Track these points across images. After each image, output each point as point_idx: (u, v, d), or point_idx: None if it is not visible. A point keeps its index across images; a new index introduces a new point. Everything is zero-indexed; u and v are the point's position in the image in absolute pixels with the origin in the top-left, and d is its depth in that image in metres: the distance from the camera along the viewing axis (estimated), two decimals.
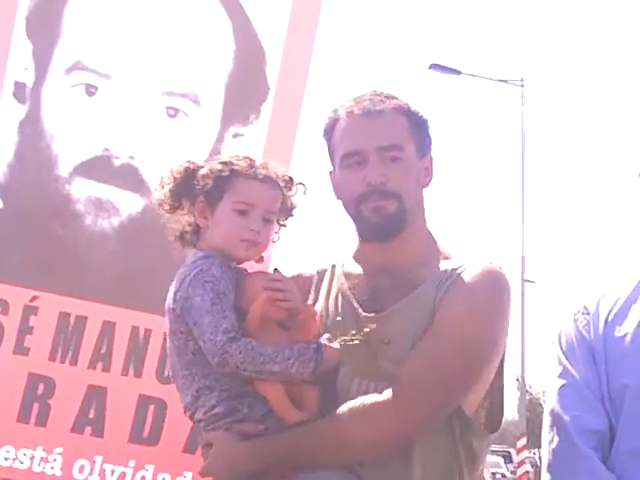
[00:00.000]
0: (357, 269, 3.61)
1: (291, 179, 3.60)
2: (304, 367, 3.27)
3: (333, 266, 3.67)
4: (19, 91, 4.94)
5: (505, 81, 30.97)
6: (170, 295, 3.46)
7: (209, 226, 3.51)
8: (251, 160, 3.54)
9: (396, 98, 3.61)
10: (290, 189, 3.59)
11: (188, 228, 3.57)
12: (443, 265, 3.52)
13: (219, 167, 3.51)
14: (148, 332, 4.80)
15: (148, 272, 4.76)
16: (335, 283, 3.62)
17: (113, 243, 4.92)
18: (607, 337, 3.52)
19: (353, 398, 3.38)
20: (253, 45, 4.99)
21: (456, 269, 3.48)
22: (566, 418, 3.48)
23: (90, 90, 4.95)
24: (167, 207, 3.58)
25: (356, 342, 3.34)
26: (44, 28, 4.96)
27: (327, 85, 4.95)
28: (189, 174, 3.54)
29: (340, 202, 3.66)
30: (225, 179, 3.47)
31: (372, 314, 3.45)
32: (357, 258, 3.65)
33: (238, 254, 3.50)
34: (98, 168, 4.92)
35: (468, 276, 3.46)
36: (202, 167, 3.56)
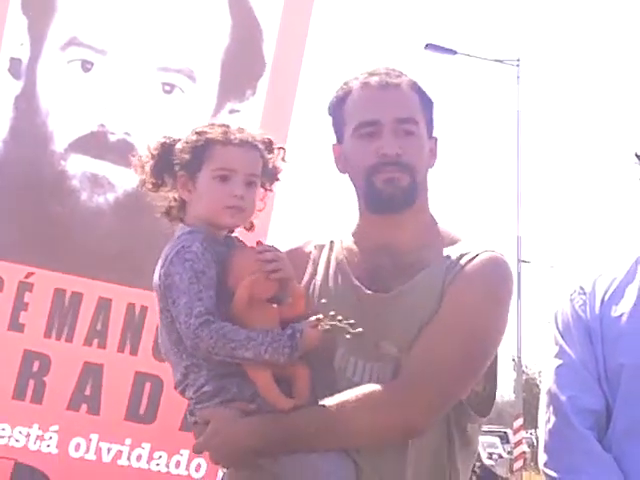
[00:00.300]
0: (356, 247, 3.52)
1: (270, 141, 3.47)
2: (278, 353, 3.16)
3: (332, 242, 3.57)
4: (14, 67, 4.88)
5: (501, 61, 31.37)
6: (156, 272, 3.36)
7: (193, 199, 3.40)
8: (225, 127, 3.43)
9: (406, 76, 3.54)
10: (271, 151, 3.48)
11: (174, 204, 3.46)
12: (449, 250, 3.43)
13: (194, 138, 3.40)
14: (144, 309, 4.74)
15: (144, 248, 4.62)
16: (333, 259, 3.52)
17: (109, 219, 4.88)
18: (603, 317, 3.47)
19: (350, 379, 3.33)
20: (249, 20, 4.94)
21: (464, 255, 3.40)
22: (563, 398, 3.43)
23: (86, 66, 4.89)
24: (150, 186, 3.47)
25: (358, 330, 3.19)
26: (39, 3, 4.92)
27: (323, 61, 4.81)
28: (166, 149, 3.43)
29: (346, 174, 3.55)
30: (201, 148, 3.36)
31: (374, 293, 3.36)
32: (356, 235, 3.54)
33: (224, 222, 3.38)
34: (94, 144, 4.87)
35: (476, 265, 3.38)
36: (179, 140, 3.46)
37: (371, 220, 3.51)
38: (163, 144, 3.46)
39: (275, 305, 3.30)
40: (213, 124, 3.49)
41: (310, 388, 3.29)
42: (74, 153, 4.85)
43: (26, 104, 4.88)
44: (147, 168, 3.48)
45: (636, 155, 3.57)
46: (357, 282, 3.43)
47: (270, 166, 3.48)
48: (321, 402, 3.28)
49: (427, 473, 3.37)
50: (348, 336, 3.19)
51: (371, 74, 3.51)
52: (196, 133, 3.43)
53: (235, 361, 3.22)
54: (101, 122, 4.85)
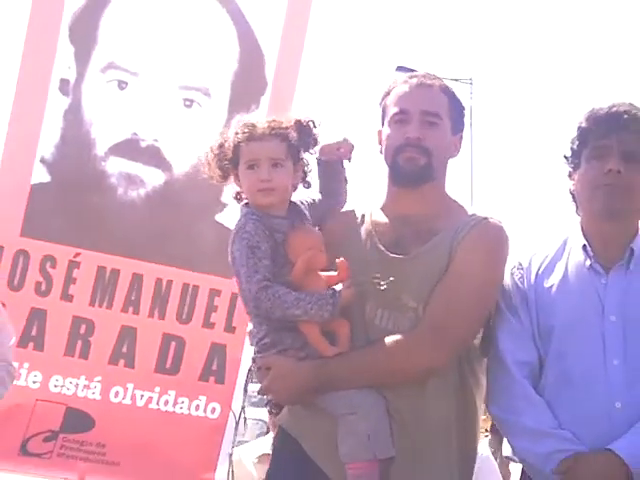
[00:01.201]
0: (383, 218, 3.50)
1: (298, 121, 3.43)
2: (322, 310, 3.20)
3: (363, 215, 3.53)
4: (64, 86, 4.92)
5: (457, 80, 30.98)
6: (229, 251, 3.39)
7: (242, 185, 3.42)
8: (251, 125, 3.38)
9: (443, 81, 3.58)
10: (301, 129, 3.42)
11: (240, 190, 3.48)
12: (457, 217, 3.44)
13: (231, 140, 3.38)
14: (169, 282, 4.79)
15: (169, 233, 4.75)
16: (364, 229, 3.50)
17: (140, 210, 4.92)
18: (537, 287, 3.50)
19: (377, 325, 3.33)
20: (254, 48, 4.97)
21: (469, 222, 3.40)
22: (504, 352, 3.44)
23: (121, 85, 4.94)
24: (218, 178, 3.48)
25: (384, 287, 3.29)
26: (84, 35, 4.94)
27: (313, 82, 4.92)
28: (222, 146, 3.44)
29: (382, 156, 3.54)
30: (236, 148, 3.36)
31: (397, 256, 3.38)
32: (383, 207, 3.52)
33: (261, 203, 3.37)
34: (128, 149, 4.92)
35: (479, 229, 3.39)
36: (229, 138, 3.45)
37: (395, 193, 3.50)
38: (220, 144, 3.45)
39: (324, 274, 3.33)
40: (246, 124, 3.42)
41: (349, 337, 3.32)
42: (112, 156, 4.91)
43: (73, 116, 4.92)
44: (213, 165, 3.48)
45: (564, 157, 3.56)
46: (382, 247, 3.41)
47: (302, 139, 3.44)
48: (359, 348, 3.31)
49: (448, 397, 3.38)
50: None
51: (411, 76, 3.59)
52: (235, 133, 3.42)
53: (288, 318, 3.26)
54: (134, 131, 4.91)
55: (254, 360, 3.43)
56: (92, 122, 4.94)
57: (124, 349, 4.81)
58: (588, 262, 3.41)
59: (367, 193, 3.66)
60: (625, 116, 3.45)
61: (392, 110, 3.46)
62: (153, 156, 4.89)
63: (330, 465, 3.24)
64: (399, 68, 28.93)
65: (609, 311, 3.35)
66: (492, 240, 3.41)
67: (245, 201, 3.43)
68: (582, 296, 3.40)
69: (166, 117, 4.93)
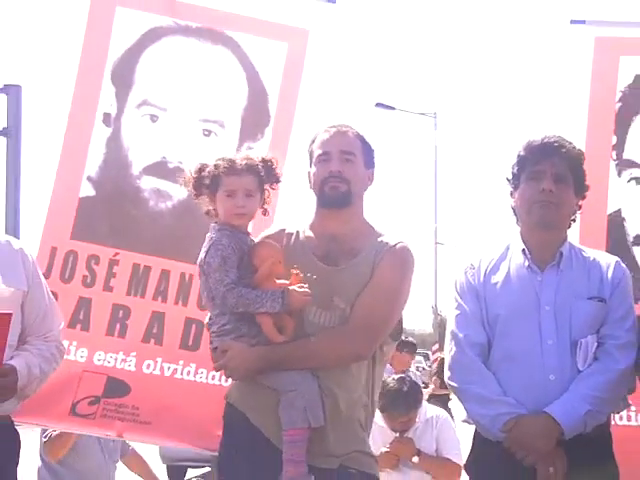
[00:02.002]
0: (313, 235, 3.64)
1: (265, 159, 3.60)
2: (275, 303, 3.32)
3: (297, 232, 3.67)
4: (106, 119, 4.97)
5: (424, 114, 30.73)
6: (200, 255, 3.51)
7: (217, 208, 3.54)
8: (231, 161, 3.53)
9: (355, 129, 3.67)
10: (266, 167, 3.57)
11: (211, 208, 3.59)
12: (377, 240, 3.57)
13: (212, 169, 3.53)
14: (191, 276, 4.81)
15: (190, 237, 4.69)
16: (299, 243, 3.63)
17: (168, 218, 4.95)
18: (486, 283, 3.64)
19: (312, 322, 3.46)
20: (260, 89, 4.99)
21: (385, 245, 3.54)
22: (460, 335, 3.60)
23: (153, 118, 4.99)
24: (193, 196, 3.62)
25: (316, 285, 3.40)
26: (123, 78, 4.98)
27: (306, 117, 5.02)
28: (200, 172, 3.58)
29: (312, 189, 3.69)
30: (216, 177, 3.50)
31: (329, 267, 3.52)
32: (312, 226, 3.66)
33: (234, 223, 3.51)
34: (158, 169, 4.96)
35: (394, 251, 3.53)
36: (207, 165, 3.57)
37: (322, 215, 3.62)
38: (199, 169, 3.56)
39: (279, 281, 3.42)
40: (224, 159, 3.56)
41: (292, 329, 3.43)
42: (145, 175, 4.94)
43: (114, 143, 4.95)
44: (189, 185, 3.61)
45: (506, 179, 3.73)
46: (316, 259, 3.54)
47: (270, 175, 3.58)
48: (301, 338, 3.43)
49: (363, 376, 3.49)
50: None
51: (331, 127, 3.67)
52: (215, 165, 3.54)
53: (249, 310, 3.37)
54: (163, 155, 4.95)
55: (211, 342, 3.52)
56: (129, 148, 4.97)
57: (154, 330, 4.84)
58: (527, 263, 3.56)
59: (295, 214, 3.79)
60: (555, 145, 3.62)
61: (317, 152, 3.60)
62: (178, 175, 4.72)
63: (272, 432, 3.32)
64: (377, 104, 28.92)
65: (544, 302, 3.51)
66: (402, 260, 3.52)
67: (215, 220, 3.52)
68: (522, 290, 3.56)
69: (189, 144, 4.96)
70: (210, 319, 3.54)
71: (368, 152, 3.68)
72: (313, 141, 3.70)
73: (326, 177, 3.56)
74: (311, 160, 3.71)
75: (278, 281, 3.40)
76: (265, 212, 3.69)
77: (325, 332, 3.43)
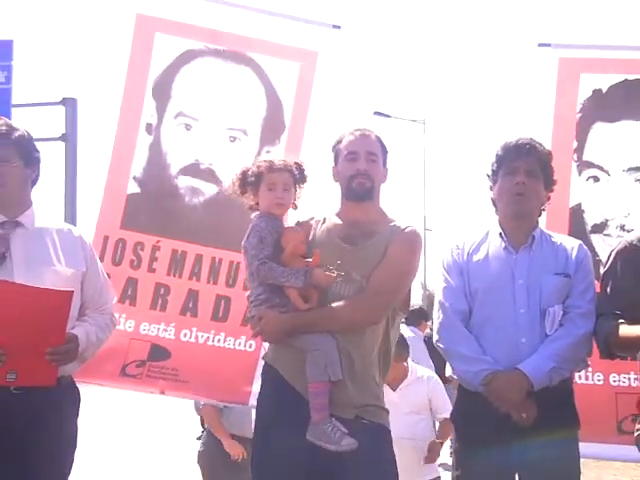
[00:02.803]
0: (338, 221, 3.60)
1: (297, 163, 3.61)
2: (298, 279, 3.32)
3: (324, 218, 3.64)
4: (149, 128, 4.98)
5: (414, 120, 30.57)
6: (244, 238, 3.50)
7: (259, 200, 3.53)
8: (271, 161, 3.53)
9: (375, 133, 3.65)
10: (299, 169, 3.58)
11: (253, 202, 3.57)
12: (390, 224, 3.54)
13: (256, 169, 3.52)
14: (220, 260, 4.82)
15: (219, 227, 4.79)
16: (325, 228, 3.60)
17: (200, 211, 4.95)
18: (469, 262, 3.65)
19: (334, 293, 3.41)
20: (276, 101, 4.98)
21: (397, 228, 3.51)
22: (446, 304, 3.61)
23: (187, 127, 4.99)
24: (238, 193, 3.60)
25: (339, 272, 3.37)
26: (162, 93, 4.99)
27: (316, 124, 5.02)
28: (245, 174, 3.57)
29: (338, 182, 3.65)
30: (259, 175, 3.50)
31: (349, 246, 3.49)
32: (338, 214, 3.63)
33: (274, 212, 3.51)
34: (192, 170, 4.95)
35: (404, 233, 3.50)
36: (249, 168, 3.57)
37: (347, 205, 3.58)
38: (243, 171, 3.57)
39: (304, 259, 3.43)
40: (265, 160, 3.56)
41: (316, 299, 3.41)
42: (181, 175, 4.94)
43: (155, 148, 4.96)
44: (236, 184, 3.59)
45: (487, 175, 3.74)
46: (338, 240, 3.51)
47: (300, 176, 3.58)
48: (323, 306, 3.40)
49: (377, 341, 3.46)
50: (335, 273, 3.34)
51: (356, 130, 3.61)
52: (257, 166, 3.53)
53: (277, 283, 3.38)
54: (196, 158, 4.94)
55: (250, 311, 3.51)
56: (167, 152, 4.98)
57: (190, 304, 4.84)
58: (503, 244, 3.59)
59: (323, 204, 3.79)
60: (527, 146, 3.64)
61: (344, 152, 3.54)
62: (209, 175, 4.93)
63: (300, 385, 3.32)
64: (375, 112, 28.74)
65: (518, 276, 3.53)
66: (411, 240, 3.49)
67: (257, 212, 3.51)
68: (499, 267, 3.57)
69: (217, 148, 4.95)
70: (249, 291, 3.55)
71: (385, 153, 3.65)
72: (339, 142, 3.65)
73: (353, 174, 3.52)
74: (337, 158, 3.68)
75: (304, 260, 3.42)
76: (295, 207, 3.68)
77: (343, 300, 3.40)
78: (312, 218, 3.66)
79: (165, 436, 10.67)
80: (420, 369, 5.51)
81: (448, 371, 3.82)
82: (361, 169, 3.52)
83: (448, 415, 4.98)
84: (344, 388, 3.33)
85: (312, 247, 3.48)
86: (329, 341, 3.34)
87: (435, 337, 3.68)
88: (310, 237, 3.57)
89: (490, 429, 3.38)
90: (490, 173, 3.73)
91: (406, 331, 7.42)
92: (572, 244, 3.68)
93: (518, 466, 3.44)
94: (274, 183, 3.50)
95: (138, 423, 12.36)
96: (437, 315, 3.66)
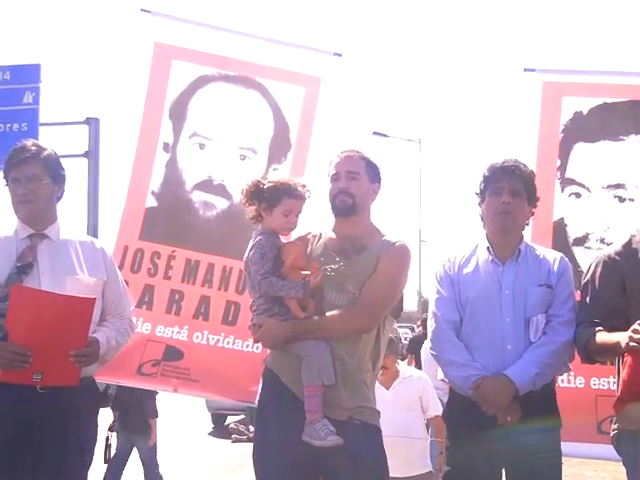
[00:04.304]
0: (333, 235, 3.56)
1: (304, 185, 3.53)
2: (298, 292, 3.31)
3: (320, 233, 3.61)
4: (166, 147, 4.99)
5: (410, 140, 30.56)
6: (245, 253, 3.47)
7: (269, 218, 3.46)
8: (291, 186, 3.47)
9: (362, 152, 3.58)
10: (306, 191, 3.53)
11: (257, 215, 3.49)
12: (382, 239, 3.50)
13: (273, 186, 3.46)
14: (231, 268, 4.84)
15: (230, 238, 4.77)
16: (322, 242, 3.56)
17: (213, 223, 4.95)
18: (459, 274, 3.61)
19: (329, 303, 3.39)
20: (283, 123, 4.99)
21: (388, 242, 3.48)
22: (438, 314, 3.57)
23: (201, 146, 5.00)
24: (244, 202, 3.53)
25: (333, 274, 3.39)
26: (178, 115, 5.01)
27: (319, 144, 5.03)
28: (256, 187, 3.50)
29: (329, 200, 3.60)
30: (278, 194, 3.43)
31: (343, 260, 3.46)
32: (333, 229, 3.59)
33: (284, 234, 3.50)
34: (205, 186, 4.97)
35: (394, 247, 3.47)
36: (265, 183, 3.49)
37: (337, 221, 3.54)
38: (256, 183, 3.49)
39: (302, 271, 3.40)
40: (284, 182, 3.48)
41: (313, 308, 3.38)
42: (195, 190, 4.96)
43: (171, 165, 4.98)
44: (244, 195, 3.52)
45: (475, 193, 3.69)
46: (333, 254, 3.47)
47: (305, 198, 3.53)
48: (318, 315, 3.37)
49: (369, 347, 3.42)
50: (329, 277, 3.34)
51: (342, 152, 3.57)
52: (276, 182, 3.46)
53: (277, 295, 3.36)
54: (209, 174, 4.96)
55: (252, 320, 3.48)
56: (183, 169, 4.99)
57: (202, 309, 4.85)
58: (490, 258, 3.55)
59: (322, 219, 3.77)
60: (512, 167, 3.62)
61: (331, 173, 3.51)
62: (221, 190, 4.94)
63: (296, 388, 3.30)
64: (374, 133, 28.76)
65: (504, 288, 3.49)
66: (401, 254, 3.46)
67: (258, 225, 3.47)
68: (487, 278, 3.53)
69: (229, 166, 4.97)
70: (252, 301, 3.53)
71: (372, 170, 3.58)
72: (330, 162, 3.61)
73: (336, 193, 3.51)
74: (329, 178, 3.66)
75: (302, 272, 3.39)
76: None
77: (337, 310, 3.37)
78: (309, 233, 3.63)
79: (176, 432, 10.63)
80: (409, 369, 5.48)
81: (440, 375, 3.80)
82: (341, 187, 3.49)
83: (437, 413, 5.00)
84: (337, 391, 3.31)
85: (310, 260, 3.45)
86: (323, 348, 3.32)
87: (429, 344, 3.67)
88: (308, 251, 3.54)
89: (479, 428, 3.35)
90: (478, 192, 3.70)
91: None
92: (554, 256, 3.66)
93: (505, 462, 3.43)
94: (291, 210, 3.45)
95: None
96: (430, 324, 3.62)
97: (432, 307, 3.64)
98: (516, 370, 3.36)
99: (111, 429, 7.02)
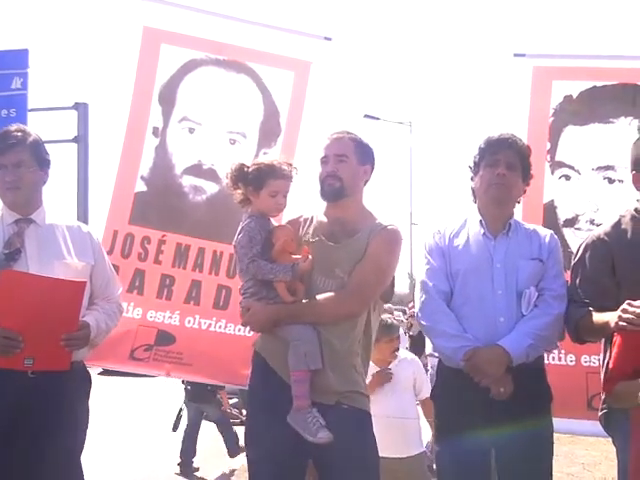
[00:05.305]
0: (324, 219, 3.55)
1: (290, 164, 3.50)
2: (286, 274, 3.29)
3: (312, 217, 3.58)
4: (155, 131, 4.99)
5: (401, 123, 30.52)
6: (235, 236, 3.45)
7: (256, 201, 3.43)
8: (275, 167, 3.43)
9: (352, 134, 3.55)
10: (292, 170, 3.49)
11: (245, 199, 3.47)
12: (371, 222, 3.47)
13: (259, 167, 3.42)
14: (221, 253, 4.84)
15: (220, 222, 4.77)
16: (312, 226, 3.54)
17: (203, 208, 4.96)
18: (450, 246, 3.59)
19: (318, 288, 3.37)
20: (272, 107, 4.99)
21: (379, 225, 3.44)
22: (429, 284, 3.52)
23: (191, 130, 5.00)
24: (230, 187, 3.51)
25: (319, 247, 3.36)
26: (167, 99, 5.00)
27: (309, 127, 5.02)
28: (241, 170, 3.46)
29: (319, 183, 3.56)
30: (264, 175, 3.39)
31: (332, 244, 3.45)
32: (324, 213, 3.57)
33: (273, 215, 3.47)
34: (195, 170, 4.97)
35: (385, 231, 3.44)
36: (249, 166, 3.45)
37: (327, 204, 3.53)
38: (240, 167, 3.45)
39: (292, 255, 3.38)
40: (268, 163, 3.44)
41: (302, 292, 3.37)
42: (185, 175, 4.95)
43: (161, 150, 4.97)
44: (229, 179, 3.49)
45: (468, 166, 3.66)
46: (323, 237, 3.44)
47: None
48: (307, 299, 3.36)
49: (359, 331, 3.40)
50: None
51: (332, 134, 3.55)
52: (260, 164, 3.42)
53: (266, 279, 3.33)
54: (199, 159, 4.95)
55: (240, 303, 3.45)
56: (172, 153, 4.98)
57: (193, 294, 4.85)
58: (482, 231, 3.54)
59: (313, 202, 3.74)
60: (509, 140, 3.61)
61: (320, 156, 3.49)
62: (211, 175, 4.93)
63: (284, 372, 3.27)
64: (365, 115, 28.71)
65: (496, 261, 3.49)
66: (391, 238, 3.43)
67: (247, 208, 3.44)
68: (479, 251, 3.53)
69: (219, 150, 4.96)
70: (241, 285, 3.51)
71: (362, 151, 3.54)
72: (321, 144, 3.61)
73: (324, 176, 3.48)
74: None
75: (292, 256, 3.37)
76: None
77: (326, 295, 3.34)
78: (301, 216, 3.60)
79: (166, 420, 10.61)
80: (402, 352, 5.49)
81: (428, 349, 3.78)
82: (329, 171, 3.46)
83: (428, 395, 5.01)
84: (325, 376, 3.27)
85: (301, 244, 3.43)
86: (310, 332, 3.30)
87: (418, 315, 3.62)
88: (299, 234, 3.52)
89: (468, 407, 3.35)
90: (472, 165, 3.67)
91: None
92: (544, 232, 3.65)
93: (494, 441, 3.41)
94: (278, 191, 3.41)
95: (140, 408, 12.26)
96: (420, 295, 3.58)
97: (422, 277, 3.62)
98: (510, 341, 3.35)
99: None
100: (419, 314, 3.59)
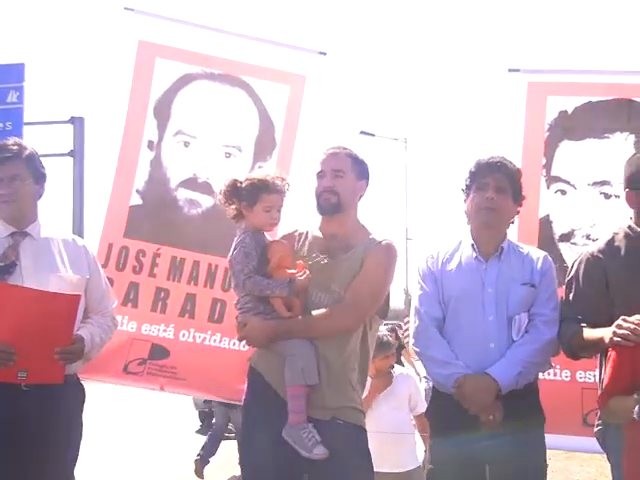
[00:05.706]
0: (319, 234, 3.54)
1: (283, 179, 3.51)
2: (282, 290, 3.29)
3: (307, 232, 3.59)
4: (150, 145, 4.97)
5: (396, 139, 30.50)
6: (230, 252, 3.45)
7: (250, 216, 3.43)
8: (268, 182, 3.43)
9: (349, 149, 3.58)
10: (285, 184, 3.50)
11: (238, 213, 3.48)
12: (367, 238, 3.48)
13: (253, 183, 3.42)
14: (216, 266, 4.82)
15: (216, 236, 4.73)
16: (307, 241, 3.55)
17: (198, 221, 4.93)
18: (442, 270, 3.58)
19: (314, 303, 3.38)
20: (268, 122, 4.98)
21: (374, 241, 3.46)
22: (422, 310, 3.53)
23: (186, 144, 4.98)
24: (224, 202, 3.52)
25: (317, 268, 3.36)
26: (163, 113, 4.99)
27: (305, 142, 5.02)
28: (234, 185, 3.47)
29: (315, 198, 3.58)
30: (257, 191, 3.40)
31: (328, 259, 3.45)
32: (319, 227, 3.58)
33: (267, 230, 3.47)
34: (190, 183, 4.95)
35: (380, 247, 3.45)
36: (242, 181, 3.46)
37: (323, 219, 3.54)
38: (233, 182, 3.46)
39: (288, 270, 3.37)
40: (261, 178, 3.44)
41: (299, 308, 3.37)
42: (180, 188, 4.93)
43: (156, 163, 4.95)
44: (222, 195, 3.50)
45: (461, 189, 3.66)
46: (319, 253, 3.45)
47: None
48: (304, 315, 3.36)
49: (355, 346, 3.41)
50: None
51: (328, 149, 3.56)
52: (253, 180, 3.42)
53: (262, 294, 3.34)
54: (194, 172, 4.93)
55: (237, 318, 3.45)
56: (167, 167, 4.97)
57: (188, 307, 4.82)
58: (474, 254, 3.53)
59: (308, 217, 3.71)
60: (498, 164, 3.61)
61: (316, 170, 3.50)
62: (206, 188, 4.91)
63: (280, 387, 3.27)
64: (361, 132, 28.72)
65: (487, 285, 3.48)
66: (386, 254, 3.44)
67: (241, 223, 3.44)
68: (470, 276, 3.51)
69: (214, 164, 4.94)
70: (236, 300, 3.51)
71: (358, 167, 3.56)
72: (318, 159, 3.62)
73: (321, 191, 3.50)
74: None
75: (288, 271, 3.38)
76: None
77: (322, 310, 3.34)
78: (296, 231, 3.61)
79: (164, 430, 10.63)
80: (398, 368, 5.49)
81: (422, 372, 3.77)
82: (326, 186, 3.47)
83: (424, 410, 5.00)
84: (320, 391, 3.28)
85: (296, 259, 3.43)
86: (307, 347, 3.30)
87: (411, 341, 3.61)
88: (294, 249, 3.53)
89: (461, 426, 3.34)
90: (464, 188, 3.70)
91: None
92: (538, 255, 3.64)
93: (488, 459, 3.41)
94: (272, 205, 3.42)
95: (138, 418, 12.32)
96: (413, 320, 3.58)
97: (415, 303, 3.62)
98: (499, 369, 3.34)
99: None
100: (413, 340, 3.59)
